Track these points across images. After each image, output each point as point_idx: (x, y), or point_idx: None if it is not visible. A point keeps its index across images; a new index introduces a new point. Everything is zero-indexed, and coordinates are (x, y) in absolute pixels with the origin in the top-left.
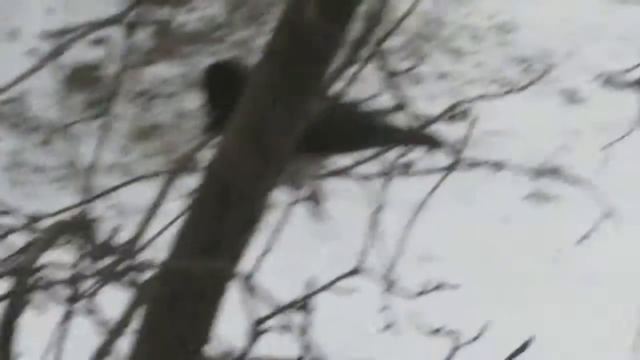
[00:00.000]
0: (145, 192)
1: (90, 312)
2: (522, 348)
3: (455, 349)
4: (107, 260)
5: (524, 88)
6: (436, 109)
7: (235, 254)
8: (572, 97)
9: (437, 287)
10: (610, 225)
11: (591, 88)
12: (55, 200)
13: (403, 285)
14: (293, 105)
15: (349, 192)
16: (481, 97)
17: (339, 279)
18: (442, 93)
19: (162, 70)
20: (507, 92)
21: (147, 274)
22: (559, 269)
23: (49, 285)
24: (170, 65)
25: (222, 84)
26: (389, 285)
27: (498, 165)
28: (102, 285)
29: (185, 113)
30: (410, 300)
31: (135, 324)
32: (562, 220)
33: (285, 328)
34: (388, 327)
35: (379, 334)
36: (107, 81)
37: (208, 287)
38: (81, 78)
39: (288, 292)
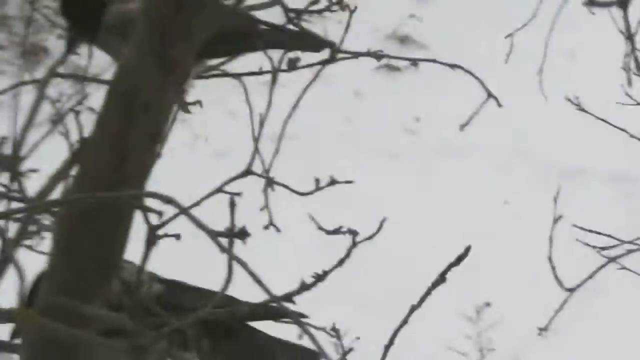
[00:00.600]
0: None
1: None
2: (460, 259)
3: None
4: None
5: None
6: None
7: (142, 168)
8: None
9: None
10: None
11: None
12: None
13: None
14: (193, 14)
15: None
16: None
17: (229, 181)
18: None
19: None
20: None
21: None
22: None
23: None
24: None
25: (76, 3)
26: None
27: (372, 55)
28: None
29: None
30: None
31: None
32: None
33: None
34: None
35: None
36: None
37: (120, 207)
38: None
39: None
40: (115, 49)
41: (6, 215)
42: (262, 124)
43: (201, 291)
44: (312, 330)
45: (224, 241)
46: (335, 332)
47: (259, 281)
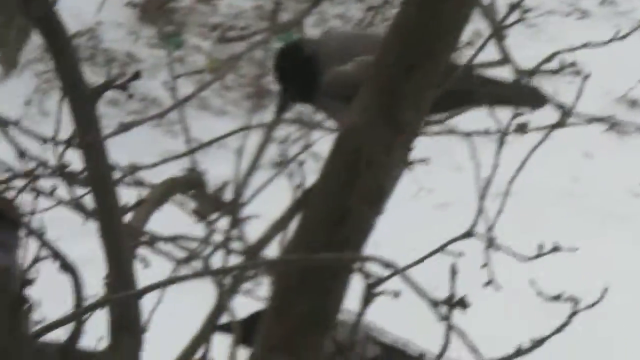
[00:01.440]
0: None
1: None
2: None
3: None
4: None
5: (625, 37)
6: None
7: (363, 223)
8: None
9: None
10: None
11: None
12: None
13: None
14: (424, 78)
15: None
16: (584, 45)
17: (451, 241)
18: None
19: (237, 1)
20: (609, 41)
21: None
22: None
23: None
24: None
25: (291, 66)
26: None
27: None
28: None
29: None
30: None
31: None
32: None
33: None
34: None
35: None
36: (180, 13)
37: (338, 266)
38: (153, 10)
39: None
40: (333, 109)
41: (224, 272)
42: (488, 184)
43: (416, 358)
44: None
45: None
46: None
47: (476, 351)
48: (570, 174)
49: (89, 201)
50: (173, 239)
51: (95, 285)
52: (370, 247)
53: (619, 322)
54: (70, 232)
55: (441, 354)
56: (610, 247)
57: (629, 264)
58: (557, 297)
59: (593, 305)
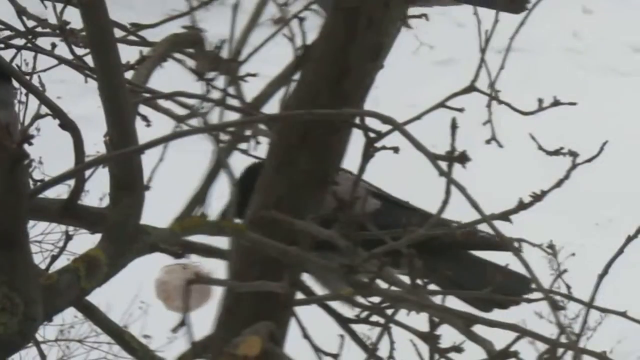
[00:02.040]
0: None
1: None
2: None
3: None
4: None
5: None
6: None
7: (363, 80)
8: None
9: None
10: None
11: None
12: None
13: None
14: None
15: None
16: None
17: (452, 96)
18: None
19: None
20: None
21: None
22: None
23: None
24: None
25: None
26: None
27: None
28: (211, 109)
29: None
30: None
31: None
32: None
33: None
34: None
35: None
36: None
37: (339, 122)
38: None
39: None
40: None
41: (222, 128)
42: (488, 39)
43: (417, 211)
44: (527, 246)
45: (443, 164)
46: (551, 249)
47: (476, 206)
48: (571, 30)
49: (89, 61)
50: (172, 95)
51: (96, 144)
52: (370, 103)
53: (616, 174)
54: (71, 92)
55: (441, 209)
56: (610, 102)
57: (628, 118)
58: (557, 152)
59: (592, 159)
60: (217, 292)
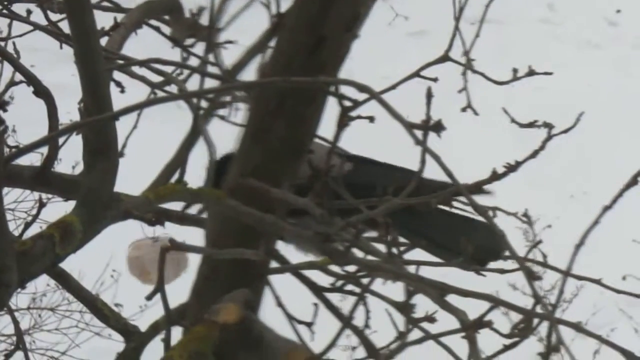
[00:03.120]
0: None
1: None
2: None
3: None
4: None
5: None
6: None
7: (339, 49)
8: None
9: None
10: None
11: None
12: None
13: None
14: None
15: None
16: None
17: (427, 65)
18: None
19: None
20: None
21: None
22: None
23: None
24: None
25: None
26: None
27: None
28: (188, 76)
29: None
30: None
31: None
32: None
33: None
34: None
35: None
36: None
37: (314, 91)
38: None
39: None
40: None
41: (199, 95)
42: (462, 9)
43: (392, 168)
44: (502, 217)
45: (419, 133)
46: (527, 218)
47: (450, 175)
48: (546, 2)
49: (65, 27)
50: (147, 62)
51: (69, 113)
52: (344, 74)
53: (591, 146)
54: (45, 60)
55: (418, 176)
56: (585, 74)
57: (603, 90)
58: (530, 124)
59: (567, 130)
60: (193, 263)
